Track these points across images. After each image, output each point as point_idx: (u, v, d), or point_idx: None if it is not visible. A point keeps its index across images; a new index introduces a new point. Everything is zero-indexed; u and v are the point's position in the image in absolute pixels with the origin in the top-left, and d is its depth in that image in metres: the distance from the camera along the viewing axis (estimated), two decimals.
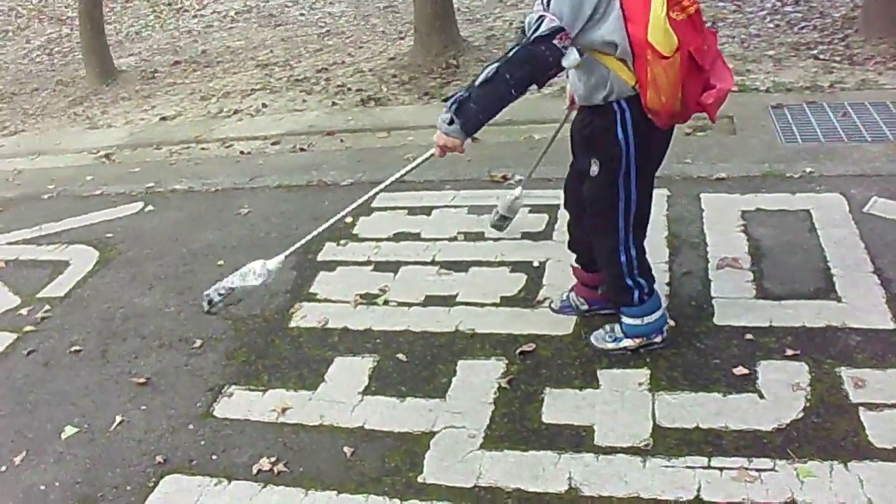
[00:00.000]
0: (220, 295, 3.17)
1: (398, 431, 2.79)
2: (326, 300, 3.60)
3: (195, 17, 8.67)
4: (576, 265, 3.27)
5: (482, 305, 3.41)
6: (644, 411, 2.73)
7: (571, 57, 2.41)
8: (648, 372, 2.91)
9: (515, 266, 3.66)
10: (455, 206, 4.26)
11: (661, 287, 3.35)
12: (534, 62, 2.40)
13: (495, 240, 3.88)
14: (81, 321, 3.77)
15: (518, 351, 3.09)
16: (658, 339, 3.00)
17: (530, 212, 4.03)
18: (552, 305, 3.33)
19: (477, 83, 2.47)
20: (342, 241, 4.06)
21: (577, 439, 2.65)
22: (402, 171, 2.98)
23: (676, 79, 2.47)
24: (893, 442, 2.48)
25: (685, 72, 2.48)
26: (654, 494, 2.41)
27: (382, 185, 3.10)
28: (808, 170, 4.16)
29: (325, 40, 7.50)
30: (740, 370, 2.86)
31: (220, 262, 4.05)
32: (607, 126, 2.60)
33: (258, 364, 3.25)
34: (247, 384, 3.14)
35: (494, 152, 4.93)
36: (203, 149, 5.63)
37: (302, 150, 5.38)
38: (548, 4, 2.39)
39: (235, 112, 6.12)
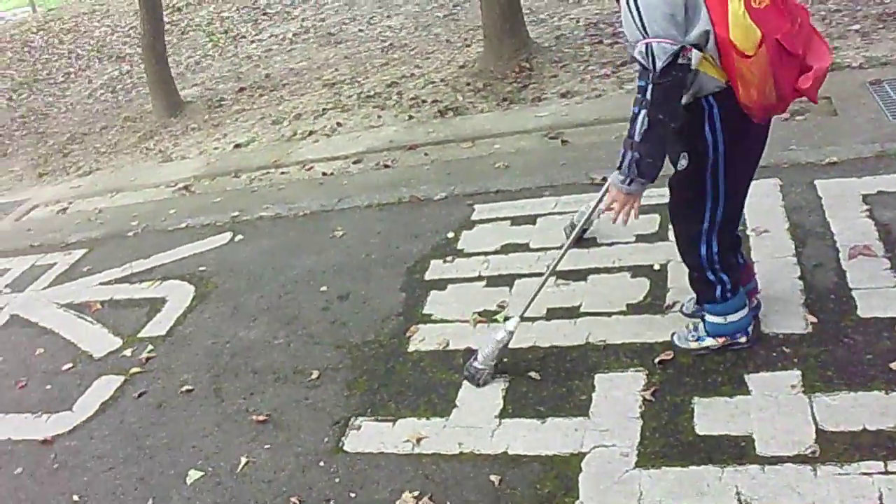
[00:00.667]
0: (482, 366, 3.02)
1: (545, 455, 2.66)
2: (443, 320, 3.47)
3: (253, 42, 8.67)
4: None
5: (609, 314, 3.25)
6: (803, 416, 2.56)
7: (696, 58, 2.32)
8: (799, 373, 2.73)
9: (636, 270, 3.48)
10: (560, 213, 4.10)
11: (793, 281, 3.18)
12: (673, 90, 2.35)
13: (609, 244, 3.71)
14: (188, 359, 3.70)
15: (657, 360, 2.93)
16: (743, 339, 2.87)
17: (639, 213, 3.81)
18: (683, 309, 3.16)
19: (637, 139, 2.39)
20: (448, 258, 3.93)
21: (737, 450, 2.49)
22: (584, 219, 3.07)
23: (765, 72, 2.35)
24: None
25: (775, 62, 2.35)
26: None
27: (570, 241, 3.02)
28: None
29: (390, 54, 7.41)
30: None
31: (323, 288, 3.95)
32: (696, 123, 2.50)
33: (382, 393, 3.13)
34: (374, 415, 3.03)
35: (588, 154, 4.76)
36: (283, 173, 5.56)
37: (386, 166, 5.27)
38: (641, 23, 2.27)
39: (310, 133, 6.05)
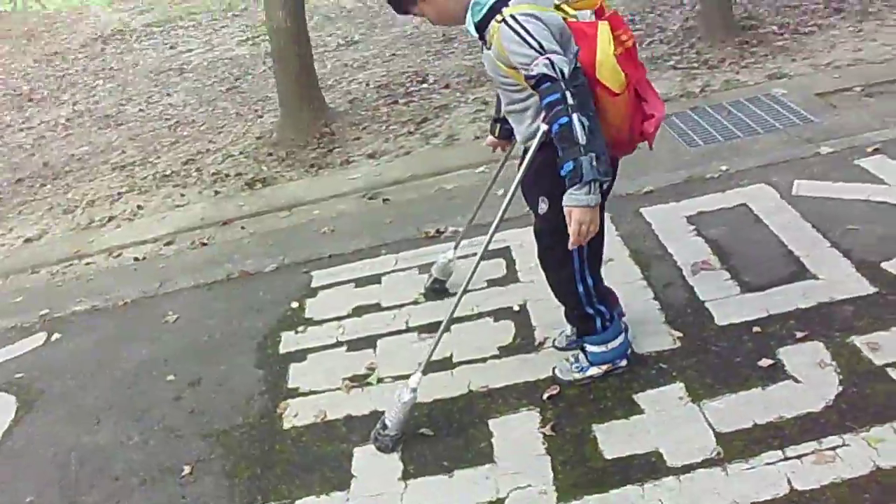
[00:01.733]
0: (395, 432, 2.85)
1: None
2: (313, 392, 3.30)
3: (21, 130, 7.94)
4: None
5: (484, 360, 3.26)
6: (698, 423, 2.70)
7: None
8: (683, 385, 2.89)
9: (497, 314, 3.54)
10: (403, 270, 4.09)
11: (648, 302, 3.38)
12: (585, 89, 2.37)
13: (463, 293, 3.72)
14: (28, 476, 3.21)
15: (545, 396, 2.97)
16: (623, 363, 3.00)
17: (485, 259, 3.87)
18: (556, 344, 3.24)
19: (584, 141, 2.32)
20: (299, 329, 3.76)
21: (649, 467, 2.57)
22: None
23: (625, 113, 2.53)
24: None
25: (632, 105, 2.54)
26: (752, 499, 2.37)
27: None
28: (723, 167, 4.36)
29: (178, 131, 7.10)
30: (765, 362, 2.91)
31: (170, 377, 3.62)
32: (551, 163, 2.54)
33: (269, 476, 2.90)
34: (266, 501, 2.79)
35: (411, 210, 4.81)
36: (88, 263, 5.08)
37: (203, 244, 4.99)
38: (537, 43, 2.35)
39: (110, 219, 5.61)
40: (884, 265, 3.29)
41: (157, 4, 12.58)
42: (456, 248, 3.70)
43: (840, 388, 2.71)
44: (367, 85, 7.24)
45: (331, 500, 2.73)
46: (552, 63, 2.32)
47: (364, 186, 5.29)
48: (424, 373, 2.91)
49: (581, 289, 2.83)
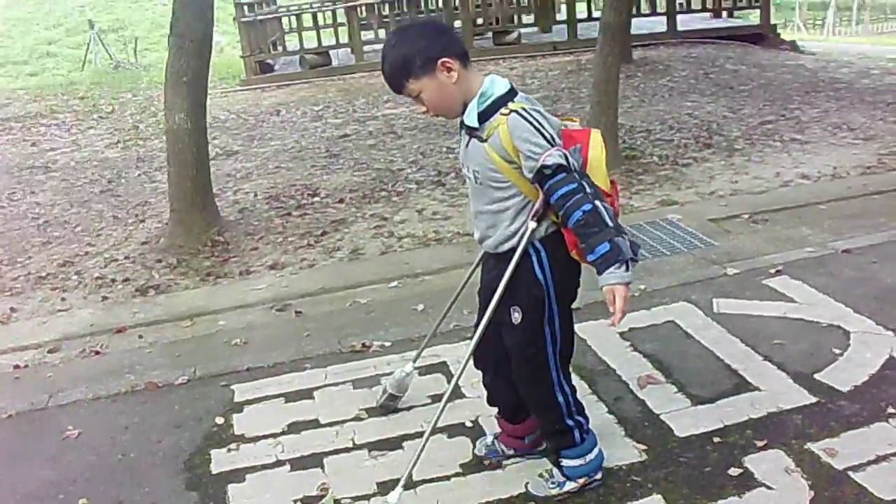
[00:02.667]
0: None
1: None
2: None
3: None
4: (499, 417, 3.17)
5: (448, 478, 3.09)
6: None
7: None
8: (661, 496, 2.87)
9: (450, 431, 3.38)
10: (335, 384, 3.86)
11: (604, 416, 3.38)
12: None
13: (408, 409, 3.57)
14: None
15: None
16: (598, 476, 2.96)
17: (420, 374, 3.77)
18: (476, 451, 3.18)
19: (612, 224, 2.40)
20: (231, 446, 3.43)
21: None
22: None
23: (614, 212, 2.56)
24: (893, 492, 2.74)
25: (616, 207, 2.61)
26: None
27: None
28: (641, 286, 4.51)
29: (49, 232, 6.54)
30: (734, 471, 2.95)
31: (82, 501, 3.16)
32: (526, 271, 2.60)
33: None
34: None
35: (329, 322, 4.62)
36: None
37: (96, 352, 4.53)
38: (550, 136, 2.42)
39: None
40: (816, 376, 3.49)
41: (14, 100, 11.85)
42: (415, 360, 3.55)
43: (812, 493, 2.78)
44: (255, 196, 7.05)
45: None
46: (566, 155, 2.39)
47: (271, 297, 5.05)
48: (406, 487, 2.71)
49: (561, 399, 2.79)
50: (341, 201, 6.69)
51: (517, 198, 2.55)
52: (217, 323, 4.83)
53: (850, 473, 2.86)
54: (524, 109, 2.46)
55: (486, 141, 2.53)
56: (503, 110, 2.48)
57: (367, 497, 3.03)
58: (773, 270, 4.56)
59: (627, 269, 2.41)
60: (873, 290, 4.24)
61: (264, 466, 3.28)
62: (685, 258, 4.96)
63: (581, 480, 2.90)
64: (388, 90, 2.65)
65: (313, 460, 3.28)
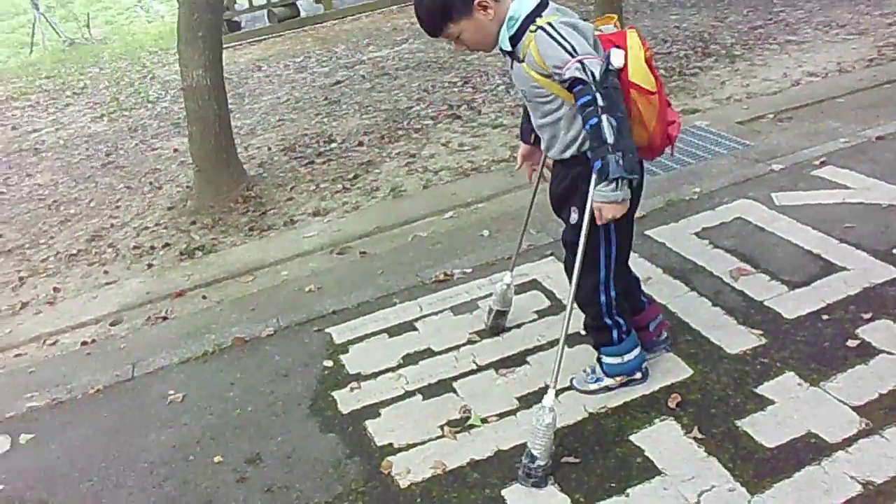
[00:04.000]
0: (544, 461, 2.72)
1: None
2: (412, 445, 3.05)
3: None
4: None
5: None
6: (831, 403, 2.90)
7: (618, 58, 2.50)
8: (793, 373, 3.06)
9: (570, 340, 3.43)
10: (434, 314, 3.93)
11: (709, 309, 3.54)
12: (616, 91, 2.46)
13: (517, 326, 3.66)
14: None
15: (672, 405, 3.01)
16: (638, 376, 3.11)
17: (517, 293, 3.82)
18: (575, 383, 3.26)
19: (612, 140, 2.42)
20: (353, 385, 3.48)
21: (814, 447, 2.69)
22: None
23: (660, 112, 2.66)
24: None
25: (662, 107, 2.68)
26: None
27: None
28: (696, 190, 4.65)
29: (63, 210, 6.35)
30: (852, 342, 3.16)
31: (217, 458, 3.17)
32: (584, 176, 2.67)
33: None
34: None
35: (398, 259, 4.65)
36: (18, 355, 4.38)
37: (163, 318, 4.49)
38: (571, 47, 2.44)
39: (22, 306, 4.88)
40: (895, 251, 3.68)
41: None
42: (512, 270, 3.59)
43: None
44: (270, 149, 6.95)
45: None
46: (583, 66, 2.42)
47: (328, 242, 5.05)
48: (556, 391, 2.78)
49: (603, 299, 2.92)
50: (360, 144, 6.64)
51: (565, 107, 2.62)
52: (280, 274, 4.82)
53: None
54: (549, 24, 2.49)
55: (522, 61, 2.60)
56: (531, 28, 2.53)
57: (512, 412, 3.13)
58: (816, 162, 4.72)
59: (617, 187, 2.48)
60: None
61: (395, 399, 3.36)
62: (728, 160, 5.09)
63: (619, 378, 3.08)
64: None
65: (443, 386, 3.37)
